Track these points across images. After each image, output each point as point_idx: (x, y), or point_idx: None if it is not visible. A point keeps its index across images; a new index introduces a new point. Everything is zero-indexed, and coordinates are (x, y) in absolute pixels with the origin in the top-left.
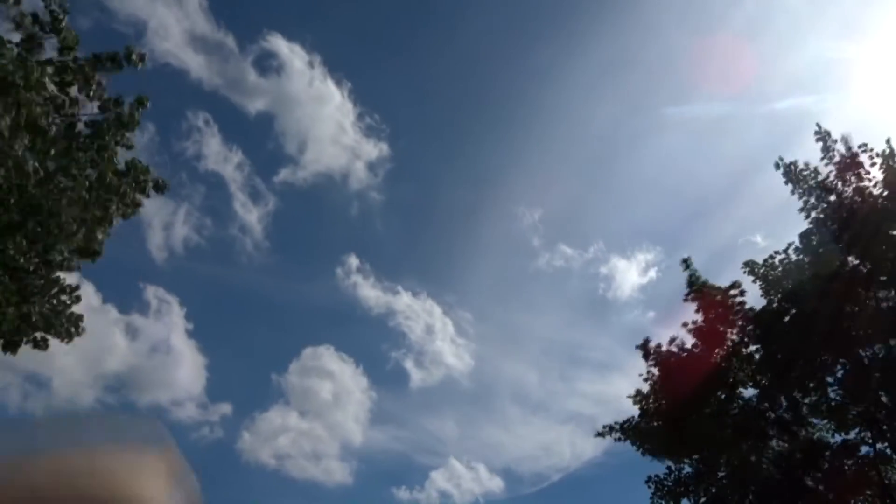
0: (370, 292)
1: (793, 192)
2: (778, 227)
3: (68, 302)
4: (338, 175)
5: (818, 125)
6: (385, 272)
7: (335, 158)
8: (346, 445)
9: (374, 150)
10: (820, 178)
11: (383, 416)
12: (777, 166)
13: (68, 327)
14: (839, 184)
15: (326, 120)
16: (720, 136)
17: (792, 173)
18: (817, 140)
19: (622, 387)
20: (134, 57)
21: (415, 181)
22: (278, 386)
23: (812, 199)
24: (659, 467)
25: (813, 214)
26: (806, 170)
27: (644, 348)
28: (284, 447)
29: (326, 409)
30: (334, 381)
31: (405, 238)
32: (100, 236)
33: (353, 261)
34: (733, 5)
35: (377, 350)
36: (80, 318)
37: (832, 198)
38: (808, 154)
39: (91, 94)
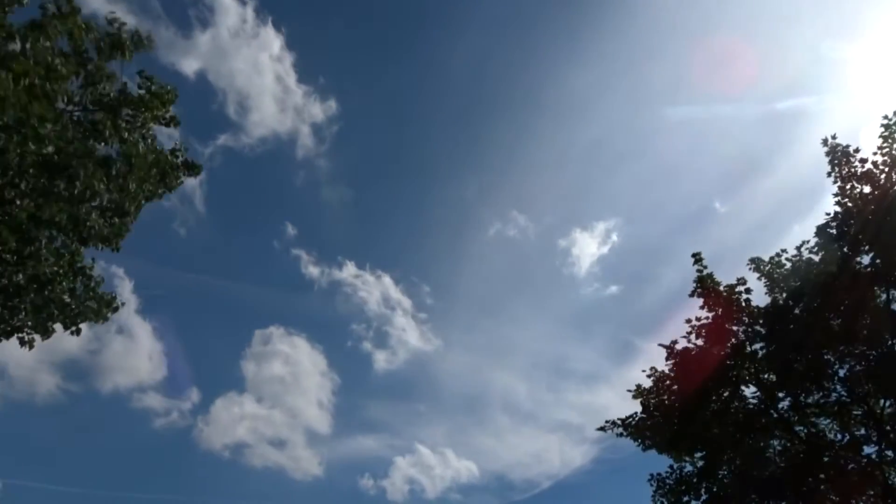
0: (315, 269)
1: (829, 174)
2: (775, 226)
3: (92, 284)
4: (282, 136)
5: (825, 139)
6: (330, 246)
7: (277, 120)
8: (306, 430)
9: (318, 109)
10: (866, 166)
11: (343, 398)
12: (824, 143)
13: (101, 308)
14: (882, 176)
15: (265, 73)
16: (720, 136)
17: (836, 154)
18: (827, 154)
19: (601, 390)
20: (144, 41)
21: (363, 139)
22: (233, 372)
23: (848, 186)
24: (649, 471)
25: (846, 202)
26: (853, 154)
27: (669, 349)
28: (243, 435)
29: (285, 394)
30: (291, 365)
31: (352, 209)
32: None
33: (295, 232)
34: (733, 6)
35: (336, 329)
36: (113, 297)
37: (867, 189)
38: (806, 154)
39: (102, 83)
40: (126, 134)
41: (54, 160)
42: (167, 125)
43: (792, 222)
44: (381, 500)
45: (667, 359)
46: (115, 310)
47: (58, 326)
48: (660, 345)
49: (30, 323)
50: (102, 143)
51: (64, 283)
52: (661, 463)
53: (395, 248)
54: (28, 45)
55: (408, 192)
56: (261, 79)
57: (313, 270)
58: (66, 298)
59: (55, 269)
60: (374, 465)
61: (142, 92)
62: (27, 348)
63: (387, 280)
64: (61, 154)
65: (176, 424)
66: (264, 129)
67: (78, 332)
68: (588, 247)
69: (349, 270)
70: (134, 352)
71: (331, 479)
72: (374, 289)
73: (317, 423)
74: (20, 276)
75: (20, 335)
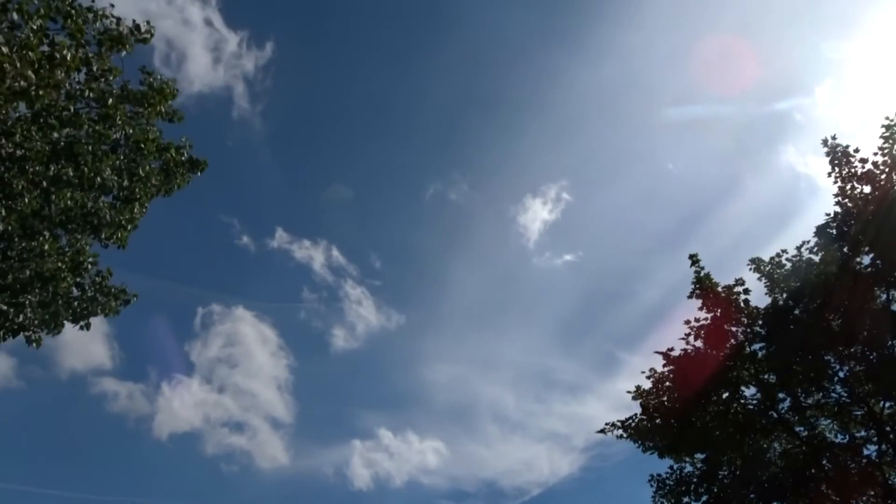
0: (249, 238)
1: (829, 174)
2: (773, 228)
3: (100, 279)
4: (216, 92)
5: (825, 139)
6: (264, 214)
7: (209, 74)
8: (266, 416)
9: (251, 59)
10: (866, 167)
11: (300, 377)
12: (824, 143)
13: (111, 301)
14: (882, 177)
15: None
16: (720, 137)
17: (836, 154)
18: (827, 154)
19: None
20: (144, 33)
21: (297, 94)
22: (182, 354)
23: (848, 187)
24: (635, 478)
25: (846, 203)
26: (853, 155)
27: (666, 356)
28: (198, 421)
29: (239, 376)
30: (243, 345)
31: (283, 173)
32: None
33: (227, 201)
34: (733, 6)
35: (285, 303)
36: (122, 290)
37: (867, 189)
38: (805, 154)
39: (103, 75)
40: (130, 130)
41: (62, 147)
42: (170, 120)
43: (787, 222)
44: (346, 489)
45: (665, 365)
46: (127, 302)
47: (67, 322)
48: (656, 352)
49: (36, 321)
50: (111, 129)
51: (69, 279)
52: (648, 469)
53: (332, 212)
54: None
55: (343, 152)
56: (188, 25)
57: (248, 240)
58: (74, 293)
59: (59, 265)
60: (331, 445)
61: (143, 88)
62: (35, 346)
63: (328, 247)
64: (69, 141)
65: (132, 411)
66: (199, 84)
67: (87, 326)
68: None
69: (283, 238)
70: (85, 335)
71: (296, 467)
72: (318, 255)
73: (277, 409)
74: (25, 272)
75: (27, 333)
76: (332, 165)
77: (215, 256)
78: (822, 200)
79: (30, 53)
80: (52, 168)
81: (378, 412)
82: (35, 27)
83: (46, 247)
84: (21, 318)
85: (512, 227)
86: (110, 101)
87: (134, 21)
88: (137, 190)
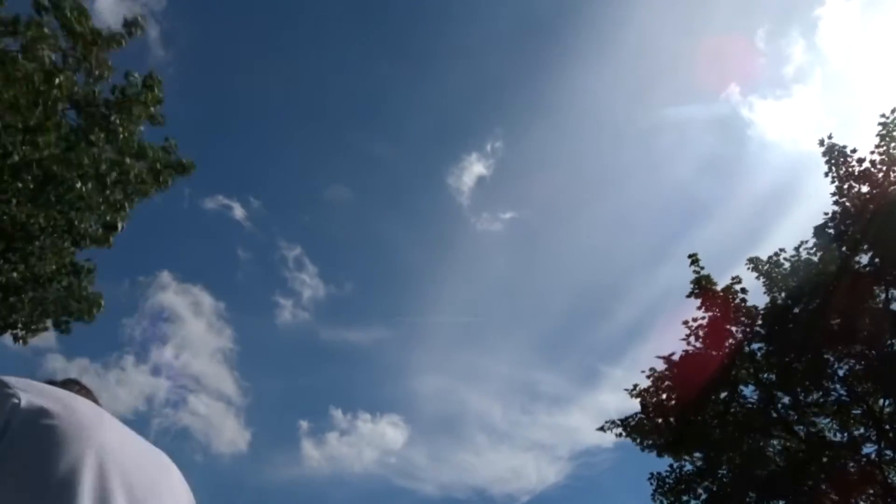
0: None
1: (826, 175)
2: (772, 229)
3: (82, 283)
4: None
5: (822, 140)
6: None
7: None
8: (209, 388)
9: None
10: (863, 165)
11: (246, 350)
12: (821, 143)
13: (88, 307)
14: (880, 175)
15: None
16: (718, 137)
17: (834, 155)
18: (824, 154)
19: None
20: (135, 29)
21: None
22: (114, 330)
23: (846, 186)
24: (622, 486)
25: (844, 202)
26: (850, 154)
27: (667, 360)
28: (136, 403)
29: (176, 349)
30: (180, 317)
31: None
32: (119, 221)
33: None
34: (733, 6)
35: (225, 269)
36: (99, 296)
37: (865, 188)
38: (805, 154)
39: (96, 76)
40: (119, 131)
41: (49, 168)
42: (153, 123)
43: (779, 220)
44: (314, 478)
45: (667, 370)
46: (100, 308)
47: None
48: (658, 356)
49: (23, 320)
50: (95, 151)
51: (63, 282)
52: (633, 476)
53: (249, 166)
54: (29, 34)
55: (252, 99)
56: None
57: (161, 201)
58: (61, 296)
59: (53, 267)
60: (280, 429)
61: (134, 88)
62: (21, 343)
63: (249, 202)
64: (54, 160)
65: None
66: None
67: (68, 330)
68: None
69: (196, 195)
70: None
71: (254, 445)
72: (239, 211)
73: (223, 383)
74: (15, 273)
75: (14, 332)
76: (240, 114)
77: (131, 222)
78: (822, 199)
79: (34, 78)
80: (34, 186)
81: (341, 390)
82: (41, 50)
83: (46, 248)
84: (13, 318)
85: (445, 188)
86: (95, 119)
87: (126, 18)
88: (124, 205)
